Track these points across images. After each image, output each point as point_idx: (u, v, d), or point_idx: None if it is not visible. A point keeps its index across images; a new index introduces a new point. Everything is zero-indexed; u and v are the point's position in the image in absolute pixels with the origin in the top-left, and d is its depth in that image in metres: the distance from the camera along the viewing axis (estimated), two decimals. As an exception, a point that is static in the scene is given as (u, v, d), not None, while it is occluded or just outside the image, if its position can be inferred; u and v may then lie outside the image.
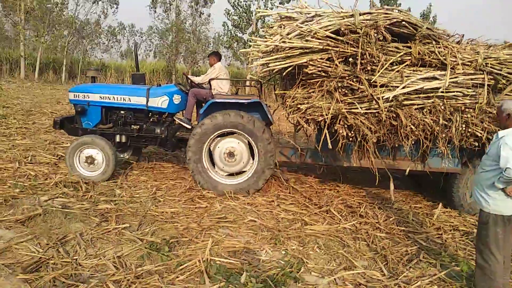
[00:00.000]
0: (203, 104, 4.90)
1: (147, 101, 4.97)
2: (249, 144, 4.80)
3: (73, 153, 4.63)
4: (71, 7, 22.59)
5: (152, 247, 3.23)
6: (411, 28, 4.18)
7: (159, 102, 4.98)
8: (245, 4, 19.95)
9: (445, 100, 4.18)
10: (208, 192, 4.71)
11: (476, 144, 4.28)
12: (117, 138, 5.00)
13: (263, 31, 4.99)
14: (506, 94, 4.11)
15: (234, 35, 20.53)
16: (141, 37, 27.72)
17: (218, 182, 4.82)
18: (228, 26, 20.69)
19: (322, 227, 4.03)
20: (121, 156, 5.54)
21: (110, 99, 4.99)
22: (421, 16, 20.51)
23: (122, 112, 5.10)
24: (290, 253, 3.39)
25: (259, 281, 2.76)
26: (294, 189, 5.15)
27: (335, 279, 3.01)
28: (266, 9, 16.17)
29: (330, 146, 4.29)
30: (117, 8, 23.98)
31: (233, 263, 3.10)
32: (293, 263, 3.12)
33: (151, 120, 5.21)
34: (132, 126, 5.17)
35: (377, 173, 4.47)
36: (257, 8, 18.87)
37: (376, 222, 4.26)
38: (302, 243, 3.62)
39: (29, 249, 3.04)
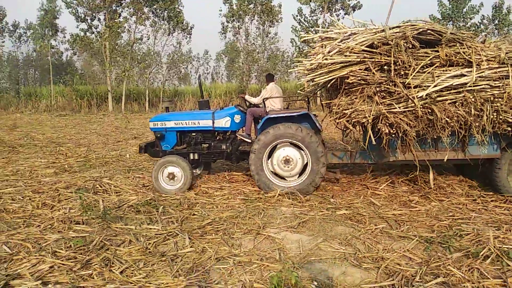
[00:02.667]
0: (260, 120, 5.90)
1: (213, 122, 6.07)
2: (302, 149, 5.70)
3: (157, 171, 5.71)
4: (149, 41, 25.44)
5: (427, 241, 3.88)
6: (436, 34, 5.04)
7: (223, 122, 6.07)
8: (311, 19, 22.31)
9: (474, 93, 4.94)
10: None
11: (510, 129, 4.97)
12: (191, 156, 6.08)
13: (307, 52, 5.98)
14: (529, 82, 4.81)
15: (302, 50, 22.52)
16: (199, 61, 29.91)
17: (280, 185, 5.70)
18: (296, 42, 22.75)
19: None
20: (195, 171, 6.57)
21: (183, 124, 6.14)
22: (493, 9, 21.26)
23: (193, 134, 6.23)
24: None
25: None
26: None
27: None
28: (332, 21, 18.83)
29: (374, 142, 5.11)
30: (190, 37, 26.61)
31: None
32: None
33: (217, 138, 6.29)
34: (202, 144, 6.24)
35: (418, 164, 5.24)
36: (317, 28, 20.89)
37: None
38: None
39: (332, 246, 3.83)
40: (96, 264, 3.43)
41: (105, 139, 11.62)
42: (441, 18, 21.73)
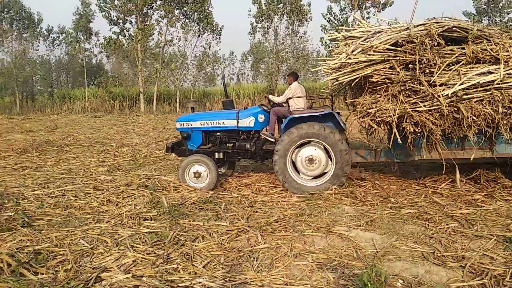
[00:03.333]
0: (283, 120, 6.06)
1: (237, 122, 6.26)
2: (325, 148, 5.82)
3: (184, 170, 5.99)
4: (180, 42, 26.33)
5: (506, 240, 3.91)
6: (462, 32, 5.04)
7: (247, 122, 6.25)
8: (341, 17, 22.56)
9: (502, 91, 4.90)
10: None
11: (540, 127, 4.90)
12: (216, 155, 6.31)
13: (331, 51, 6.09)
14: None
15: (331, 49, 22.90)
16: (224, 62, 30.49)
17: (304, 185, 5.83)
18: (326, 41, 23.00)
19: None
20: (220, 170, 6.79)
21: (208, 124, 6.38)
22: None
23: (218, 133, 6.45)
24: None
25: None
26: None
27: None
28: (363, 19, 18.85)
29: (399, 141, 5.16)
30: (219, 39, 27.35)
31: None
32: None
33: (241, 137, 6.48)
34: (227, 144, 6.47)
35: (444, 163, 5.25)
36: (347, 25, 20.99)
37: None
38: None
39: (408, 245, 3.90)
40: (177, 259, 3.58)
41: (145, 139, 12.08)
42: (475, 13, 21.15)
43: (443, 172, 5.50)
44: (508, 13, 20.70)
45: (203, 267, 3.45)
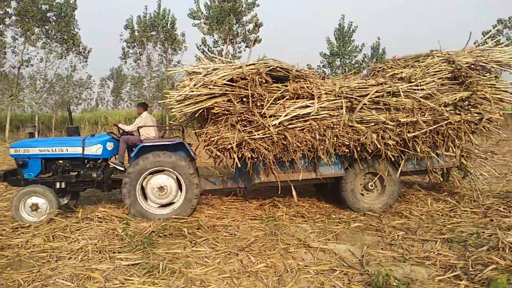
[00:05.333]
0: (133, 149, 6.36)
1: (83, 149, 6.29)
2: (177, 178, 6.29)
3: (19, 201, 5.75)
4: (41, 64, 24.07)
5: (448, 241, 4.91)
6: (284, 71, 6.17)
7: (94, 150, 6.34)
8: (215, 49, 23.35)
9: (318, 121, 6.09)
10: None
11: (347, 151, 6.19)
12: (57, 185, 6.19)
13: (177, 85, 6.71)
14: (358, 111, 6.11)
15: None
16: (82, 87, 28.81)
17: (151, 213, 6.13)
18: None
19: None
20: (62, 200, 6.59)
21: (49, 151, 6.24)
22: (371, 48, 25.33)
23: (60, 161, 6.35)
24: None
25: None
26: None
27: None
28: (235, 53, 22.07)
29: (239, 165, 5.94)
30: (86, 62, 25.77)
31: None
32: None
33: (87, 166, 6.50)
34: (71, 173, 6.39)
35: (279, 185, 6.21)
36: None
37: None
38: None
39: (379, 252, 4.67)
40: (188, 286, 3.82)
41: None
42: (330, 55, 24.95)
43: (279, 193, 6.48)
44: (355, 56, 25.22)
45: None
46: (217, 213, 6.52)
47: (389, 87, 6.15)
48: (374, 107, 6.16)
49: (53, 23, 23.57)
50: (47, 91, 25.17)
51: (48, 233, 5.33)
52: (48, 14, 23.40)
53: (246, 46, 24.86)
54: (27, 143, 6.38)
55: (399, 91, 6.12)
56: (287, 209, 6.66)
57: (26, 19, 22.38)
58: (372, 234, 5.48)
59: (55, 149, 6.29)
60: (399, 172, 6.39)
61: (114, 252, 4.72)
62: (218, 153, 6.10)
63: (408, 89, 6.21)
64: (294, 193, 6.48)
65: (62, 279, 4.01)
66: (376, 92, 6.11)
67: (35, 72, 24.54)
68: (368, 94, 6.11)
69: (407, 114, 6.10)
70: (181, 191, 6.29)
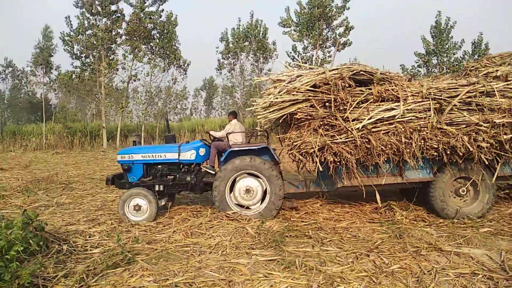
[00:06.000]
0: (223, 154, 6.90)
1: (179, 155, 6.98)
2: (262, 181, 6.62)
3: (124, 203, 6.53)
4: (146, 78, 27.13)
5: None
6: (368, 75, 6.19)
7: (188, 155, 6.99)
8: (305, 55, 24.32)
9: (404, 124, 6.00)
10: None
11: (436, 154, 5.98)
12: (157, 187, 6.93)
13: (262, 93, 7.12)
14: (448, 113, 5.88)
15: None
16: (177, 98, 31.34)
17: (239, 213, 6.56)
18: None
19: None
20: (160, 202, 7.30)
21: (149, 157, 7.01)
22: (472, 45, 23.57)
23: (159, 166, 7.10)
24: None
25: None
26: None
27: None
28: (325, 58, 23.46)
29: (321, 169, 6.10)
30: (185, 74, 28.44)
31: None
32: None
33: (182, 170, 7.18)
34: (168, 176, 7.09)
35: (363, 189, 6.22)
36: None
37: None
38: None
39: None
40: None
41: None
42: (425, 54, 23.58)
43: (363, 197, 6.49)
44: (454, 54, 23.31)
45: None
46: (334, 216, 6.69)
47: (482, 86, 5.81)
48: (465, 108, 5.88)
49: (157, 40, 26.06)
50: (150, 103, 27.87)
51: (186, 230, 5.92)
52: (152, 32, 25.91)
53: (336, 50, 24.85)
54: (131, 150, 7.19)
55: (494, 91, 5.75)
56: (406, 212, 6.59)
57: (134, 38, 25.12)
58: (507, 239, 5.28)
59: (155, 155, 7.02)
60: (495, 177, 5.98)
61: (249, 249, 5.08)
62: (301, 157, 6.34)
63: (504, 88, 5.80)
64: (378, 197, 6.44)
65: (211, 271, 4.38)
66: (468, 92, 5.81)
67: (141, 85, 27.37)
68: (458, 95, 5.84)
69: (503, 115, 5.70)
70: (266, 193, 6.64)
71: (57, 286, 4.04)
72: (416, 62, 24.42)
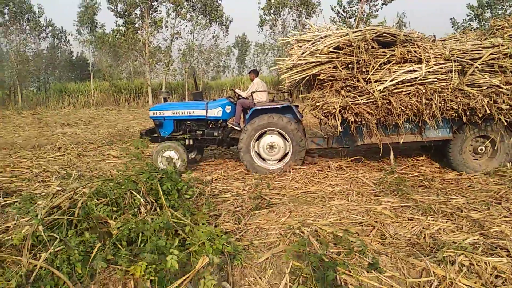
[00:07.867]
0: (248, 111, 7.38)
1: (206, 112, 7.55)
2: (284, 137, 7.14)
3: (157, 155, 7.21)
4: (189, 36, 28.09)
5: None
6: (391, 37, 6.34)
7: (215, 112, 7.56)
8: (350, 10, 24.02)
9: (425, 85, 6.19)
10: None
11: (456, 115, 6.18)
12: (187, 142, 7.56)
13: (285, 53, 7.45)
14: (470, 75, 6.00)
15: None
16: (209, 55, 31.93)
17: (262, 167, 7.17)
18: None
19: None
20: (190, 155, 7.97)
21: (179, 114, 7.63)
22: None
23: (188, 122, 7.72)
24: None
25: None
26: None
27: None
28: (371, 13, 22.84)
29: (341, 129, 6.48)
30: (227, 32, 29.20)
31: None
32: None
33: (210, 126, 7.78)
34: (197, 132, 7.73)
35: (381, 146, 6.59)
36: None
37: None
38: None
39: None
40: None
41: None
42: (478, 6, 22.27)
43: (380, 155, 6.85)
44: (510, 6, 21.65)
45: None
46: (439, 169, 7.01)
47: (506, 48, 5.84)
48: (488, 69, 5.96)
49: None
50: (193, 61, 28.55)
51: (302, 179, 6.47)
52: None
53: (382, 4, 24.01)
54: (163, 106, 7.81)
55: (518, 52, 5.78)
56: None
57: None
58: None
59: (184, 112, 7.63)
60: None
61: (375, 196, 5.43)
62: (323, 117, 6.73)
63: (529, 49, 5.81)
64: (392, 156, 6.78)
65: (355, 214, 4.66)
66: (491, 54, 5.88)
67: (184, 44, 28.01)
68: (481, 57, 5.92)
69: (525, 77, 5.76)
70: (288, 147, 7.15)
71: (217, 221, 4.57)
72: (467, 16, 23.17)
